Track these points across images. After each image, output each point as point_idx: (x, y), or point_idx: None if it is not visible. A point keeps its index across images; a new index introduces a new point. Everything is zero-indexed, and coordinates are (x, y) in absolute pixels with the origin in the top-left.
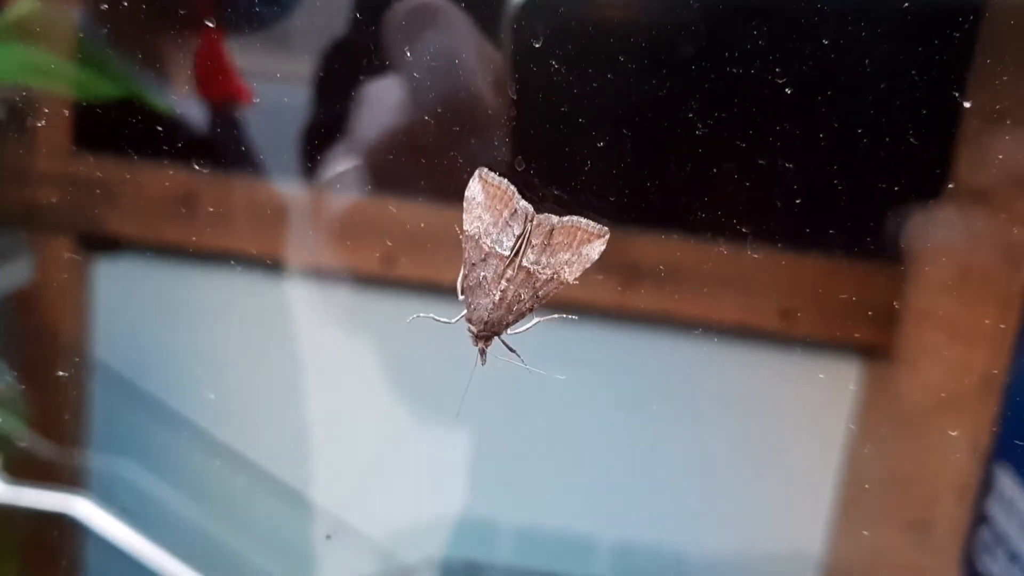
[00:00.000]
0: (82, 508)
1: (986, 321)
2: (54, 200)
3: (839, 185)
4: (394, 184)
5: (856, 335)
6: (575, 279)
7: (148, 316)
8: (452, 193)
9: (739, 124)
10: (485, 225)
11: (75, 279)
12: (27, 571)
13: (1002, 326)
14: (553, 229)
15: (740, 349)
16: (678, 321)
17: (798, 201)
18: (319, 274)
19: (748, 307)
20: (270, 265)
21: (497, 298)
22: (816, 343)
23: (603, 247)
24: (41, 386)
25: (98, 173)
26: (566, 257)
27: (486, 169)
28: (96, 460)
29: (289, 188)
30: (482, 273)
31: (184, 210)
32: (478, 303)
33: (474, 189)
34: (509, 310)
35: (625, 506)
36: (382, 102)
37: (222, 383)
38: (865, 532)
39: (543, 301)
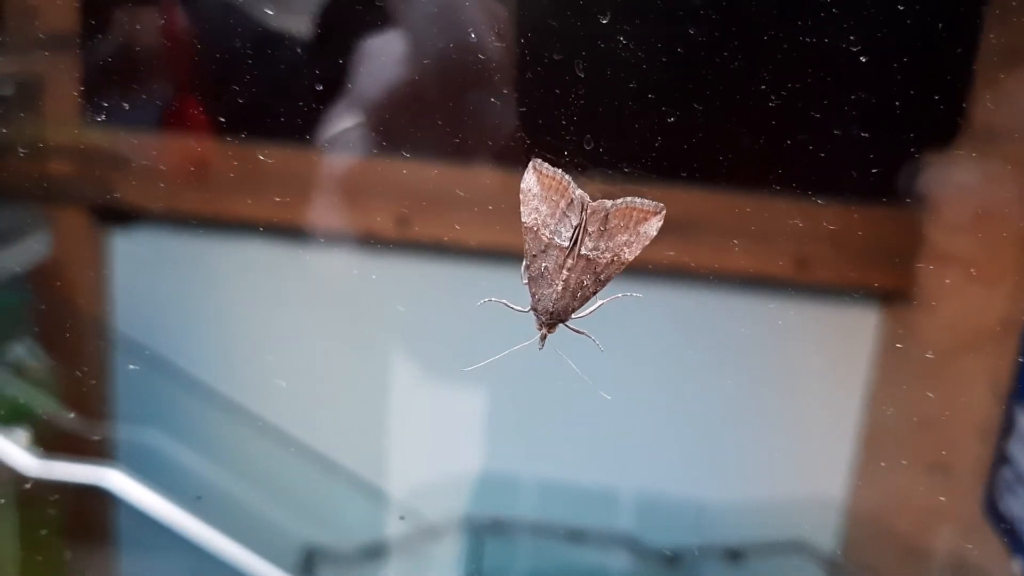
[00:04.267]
0: (113, 479)
1: (1005, 262)
2: (68, 172)
3: (855, 130)
4: (400, 142)
5: (874, 280)
6: (634, 257)
7: (166, 285)
8: (463, 151)
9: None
10: (543, 216)
11: (93, 251)
12: (63, 542)
13: (1022, 266)
14: (608, 214)
15: (757, 298)
16: (692, 272)
17: (817, 147)
18: (334, 237)
19: (763, 256)
20: (285, 230)
21: (560, 288)
22: (834, 289)
23: (660, 223)
24: (66, 360)
25: (110, 144)
26: (624, 238)
27: (540, 160)
28: (124, 431)
29: (299, 151)
30: (543, 264)
31: (196, 178)
32: (542, 294)
33: (529, 181)
34: (574, 297)
35: (646, 458)
36: (384, 57)
37: (242, 348)
38: (886, 476)
39: (606, 283)
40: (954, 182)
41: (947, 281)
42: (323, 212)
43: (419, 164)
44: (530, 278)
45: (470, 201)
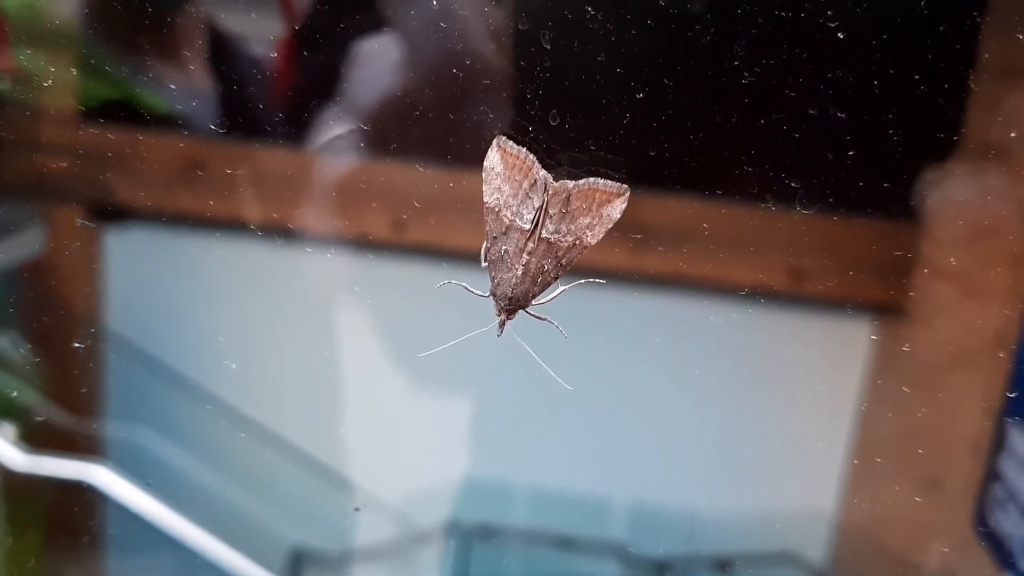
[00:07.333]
0: (100, 476)
1: (999, 278)
2: (63, 169)
3: (850, 142)
4: (394, 147)
5: (868, 293)
6: (597, 241)
7: (159, 284)
8: (457, 155)
9: (789, 72)
10: (505, 197)
11: (86, 248)
12: (49, 539)
13: (1016, 282)
14: (570, 195)
15: (751, 309)
16: (687, 282)
17: (792, 130)
18: (329, 240)
19: (757, 267)
20: (280, 232)
21: (520, 272)
22: (827, 302)
23: (624, 205)
24: (56, 356)
25: (106, 142)
26: (587, 221)
27: (504, 137)
28: (113, 428)
29: (296, 154)
30: (504, 247)
31: (193, 178)
32: (501, 278)
33: (492, 159)
34: (534, 282)
35: (639, 467)
36: (377, 62)
37: (234, 350)
38: (878, 489)
39: (567, 268)
40: (949, 197)
41: (941, 295)
42: (318, 215)
43: (415, 168)
44: (490, 262)
45: (466, 204)
